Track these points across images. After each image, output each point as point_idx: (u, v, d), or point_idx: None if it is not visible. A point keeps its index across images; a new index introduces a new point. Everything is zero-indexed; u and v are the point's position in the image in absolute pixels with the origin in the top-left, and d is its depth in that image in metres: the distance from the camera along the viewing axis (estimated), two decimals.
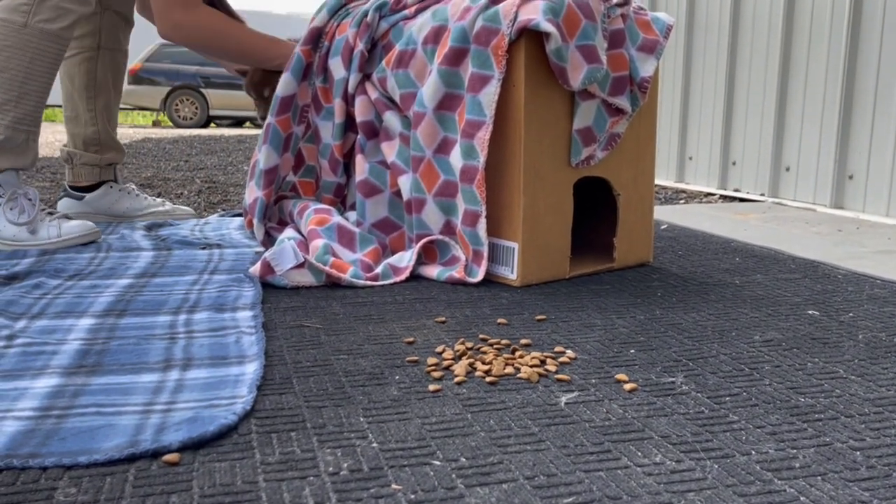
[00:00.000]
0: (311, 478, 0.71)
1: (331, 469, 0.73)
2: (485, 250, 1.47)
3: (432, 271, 1.52)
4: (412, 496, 0.68)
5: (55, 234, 1.77)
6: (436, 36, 1.52)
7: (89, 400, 0.88)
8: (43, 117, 1.84)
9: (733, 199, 3.02)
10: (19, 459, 0.73)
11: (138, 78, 11.06)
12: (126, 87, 11.11)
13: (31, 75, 1.72)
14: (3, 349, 1.04)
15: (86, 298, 1.32)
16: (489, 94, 1.42)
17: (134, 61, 11.20)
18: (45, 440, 0.77)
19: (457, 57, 1.46)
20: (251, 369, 0.98)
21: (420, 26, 1.55)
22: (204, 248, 1.78)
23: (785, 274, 1.59)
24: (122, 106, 13.55)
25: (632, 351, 1.09)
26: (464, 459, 0.76)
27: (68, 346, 1.07)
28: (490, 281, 1.50)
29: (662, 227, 2.18)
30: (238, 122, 11.90)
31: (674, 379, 0.98)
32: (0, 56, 1.71)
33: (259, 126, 1.95)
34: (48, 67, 1.74)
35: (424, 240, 1.54)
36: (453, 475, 0.72)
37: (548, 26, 1.36)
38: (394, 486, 0.70)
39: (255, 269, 1.45)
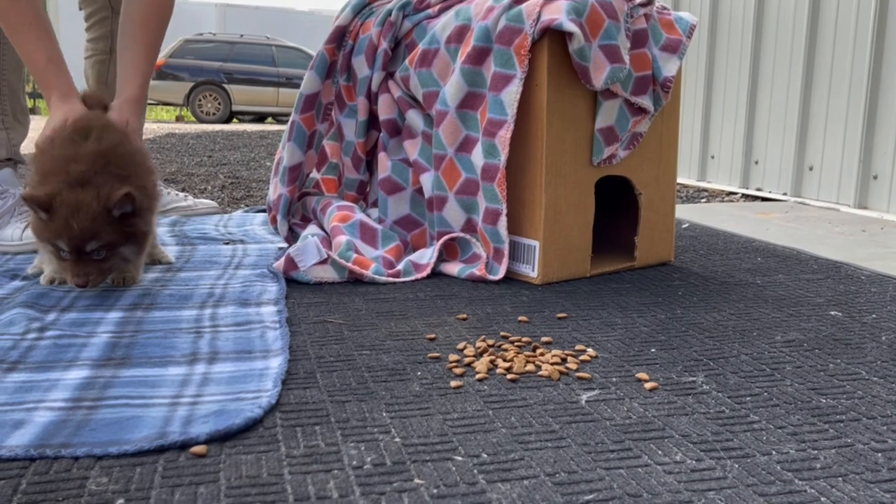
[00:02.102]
0: (336, 471, 0.73)
1: (355, 463, 0.74)
2: (506, 248, 1.48)
3: (453, 269, 1.53)
4: (434, 491, 0.69)
5: (17, 237, 1.68)
6: (459, 35, 1.53)
7: (118, 392, 0.90)
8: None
9: (755, 198, 3.00)
10: (52, 449, 0.75)
11: (162, 73, 11.15)
12: (150, 81, 11.28)
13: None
14: (35, 341, 1.07)
15: (114, 292, 1.35)
16: (511, 94, 1.42)
17: (158, 57, 11.31)
18: (77, 430, 0.79)
19: (479, 56, 1.47)
20: (276, 364, 0.99)
21: (443, 25, 1.56)
22: (227, 244, 1.80)
23: (807, 274, 1.58)
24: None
25: (653, 350, 1.10)
26: (485, 455, 0.77)
27: (97, 339, 1.09)
28: (511, 279, 1.50)
29: (684, 226, 2.17)
30: (260, 118, 11.97)
31: (694, 378, 0.99)
32: None
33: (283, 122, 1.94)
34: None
35: (446, 237, 1.55)
36: (475, 471, 0.73)
37: (571, 26, 1.36)
38: (416, 480, 0.71)
39: (279, 264, 1.47)
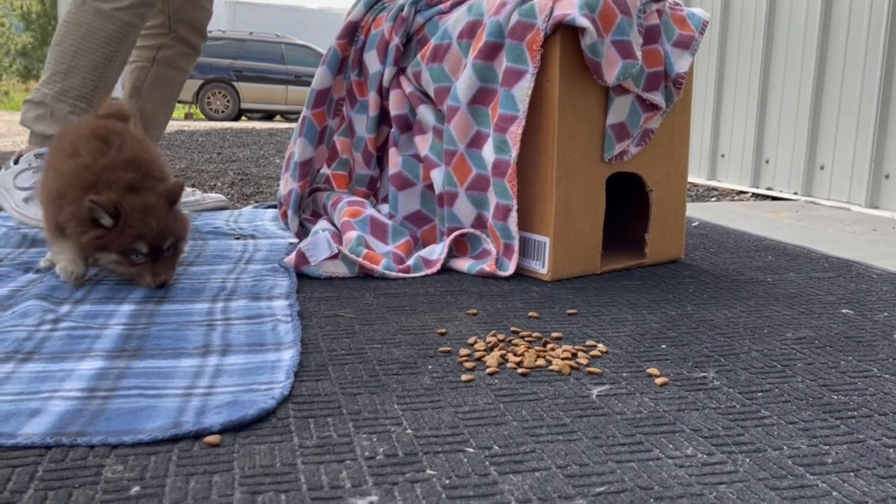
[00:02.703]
0: (348, 461, 0.73)
1: (367, 454, 0.75)
2: (516, 244, 1.48)
3: (463, 264, 1.53)
4: (447, 481, 0.70)
5: (34, 213, 1.73)
6: (471, 30, 1.53)
7: (132, 382, 0.90)
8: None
9: (766, 197, 3.00)
10: (68, 437, 0.76)
11: None
12: None
13: (81, 51, 1.79)
14: (49, 332, 1.07)
15: (126, 285, 1.36)
16: (523, 89, 1.43)
17: None
18: (92, 420, 0.80)
19: (491, 51, 1.47)
20: (288, 356, 1.00)
21: (455, 21, 1.56)
22: (238, 239, 1.81)
23: (818, 272, 1.58)
24: None
25: (663, 346, 1.10)
26: (497, 447, 0.77)
27: (111, 331, 1.10)
28: (521, 275, 1.51)
29: (694, 224, 2.17)
30: (269, 116, 11.99)
31: (705, 374, 0.99)
32: (59, 31, 1.83)
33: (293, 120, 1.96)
34: (100, 45, 1.81)
35: (456, 233, 1.55)
36: (486, 462, 0.74)
37: (583, 21, 1.36)
38: (429, 471, 0.72)
39: (290, 259, 1.48)
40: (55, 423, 0.79)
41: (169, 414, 0.82)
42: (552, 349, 1.06)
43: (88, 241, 1.28)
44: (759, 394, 0.92)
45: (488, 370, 0.98)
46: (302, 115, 1.74)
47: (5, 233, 1.83)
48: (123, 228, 1.26)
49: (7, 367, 0.94)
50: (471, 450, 0.76)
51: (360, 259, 1.47)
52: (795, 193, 2.89)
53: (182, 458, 0.73)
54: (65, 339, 1.05)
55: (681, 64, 1.53)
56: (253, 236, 1.84)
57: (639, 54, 1.45)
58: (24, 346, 1.02)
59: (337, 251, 1.47)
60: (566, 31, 1.41)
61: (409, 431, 0.80)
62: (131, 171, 1.31)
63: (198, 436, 0.78)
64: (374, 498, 0.67)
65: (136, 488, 0.68)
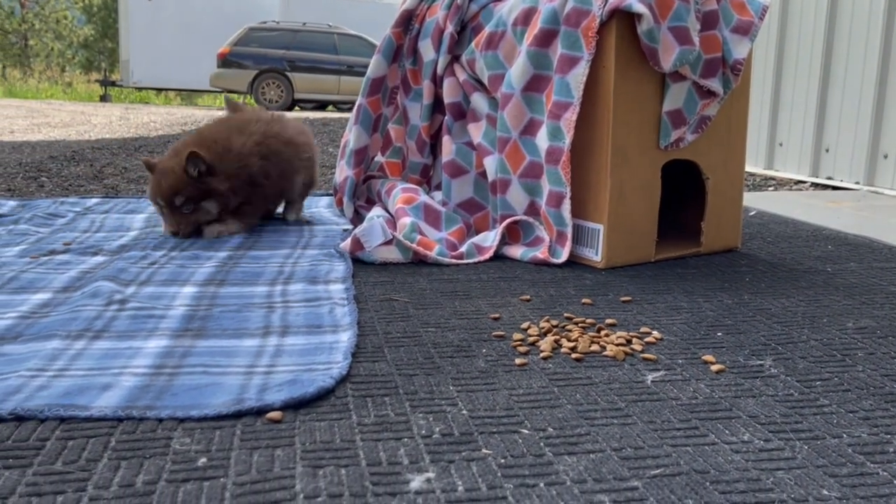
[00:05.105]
0: (406, 439, 0.75)
1: (423, 432, 0.76)
2: (569, 231, 1.48)
3: (516, 251, 1.53)
4: (502, 461, 0.71)
5: None
6: (526, 17, 1.53)
7: (196, 360, 0.94)
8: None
9: (825, 187, 2.92)
10: (138, 410, 0.79)
11: (227, 61, 11.37)
12: (215, 70, 11.52)
13: None
14: (117, 312, 1.12)
15: (187, 269, 1.40)
16: (577, 76, 1.42)
17: (222, 46, 11.54)
18: (160, 395, 0.83)
19: (546, 38, 1.47)
20: (345, 338, 1.02)
21: (510, 8, 1.56)
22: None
23: (880, 262, 1.54)
24: (210, 89, 13.81)
25: (719, 334, 1.09)
26: (551, 430, 0.78)
27: (174, 312, 1.13)
28: (574, 262, 1.50)
29: (751, 213, 2.14)
30: (321, 106, 12.11)
31: (762, 362, 0.98)
32: None
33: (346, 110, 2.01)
34: None
35: (508, 220, 1.56)
36: (541, 443, 0.75)
37: (640, 7, 1.35)
38: (484, 450, 0.73)
39: (346, 244, 1.50)
40: (125, 397, 0.82)
41: (232, 390, 0.85)
42: (606, 335, 1.06)
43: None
44: (818, 382, 0.91)
45: (542, 355, 0.99)
46: (357, 103, 1.76)
47: (72, 218, 1.90)
48: (152, 183, 1.67)
49: (79, 343, 0.98)
50: (525, 431, 0.77)
51: (413, 245, 1.48)
52: (857, 183, 2.82)
53: (246, 433, 0.76)
54: (132, 318, 1.09)
55: (739, 50, 1.50)
56: (309, 222, 1.88)
57: (696, 40, 1.43)
58: (94, 324, 1.06)
59: (391, 237, 1.49)
60: (622, 18, 1.40)
61: (464, 412, 0.81)
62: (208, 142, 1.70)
63: (260, 412, 0.80)
64: (431, 474, 0.68)
65: (203, 460, 0.70)
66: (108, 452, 0.71)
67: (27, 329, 1.05)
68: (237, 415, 0.79)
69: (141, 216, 1.95)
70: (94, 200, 2.18)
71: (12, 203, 2.06)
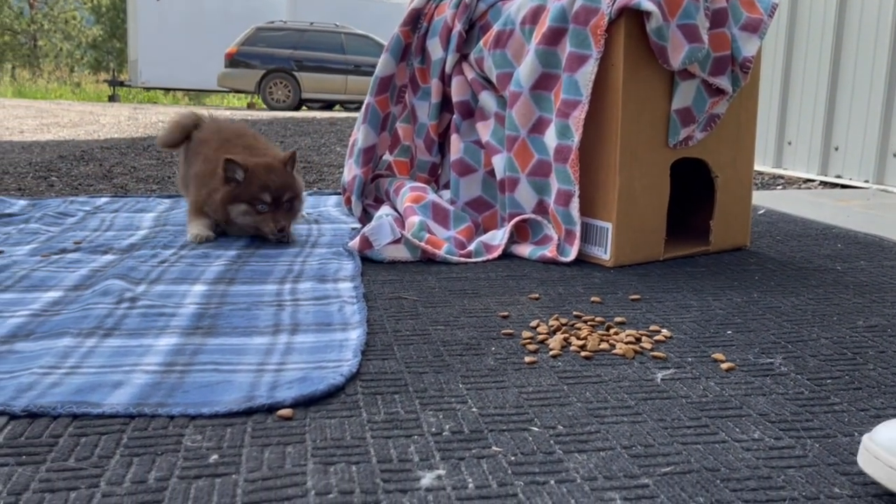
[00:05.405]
0: (416, 436, 0.75)
1: (433, 429, 0.77)
2: (577, 230, 1.48)
3: (524, 250, 1.53)
4: (512, 458, 0.71)
5: None
6: (534, 16, 1.53)
7: (207, 358, 0.94)
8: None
9: (835, 185, 2.91)
10: (149, 408, 0.79)
11: (234, 61, 11.40)
12: (222, 70, 11.55)
13: None
14: (128, 310, 1.12)
15: (197, 267, 1.40)
16: (586, 74, 1.42)
17: (230, 45, 11.57)
18: (171, 392, 0.84)
19: (555, 36, 1.47)
20: (354, 336, 1.02)
21: (519, 6, 1.56)
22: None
23: (890, 261, 1.54)
24: (218, 89, 13.84)
25: (729, 332, 1.09)
26: (561, 427, 0.78)
27: (185, 310, 1.14)
28: (582, 261, 1.50)
29: (759, 212, 2.13)
30: (328, 105, 12.13)
31: (772, 360, 0.97)
32: None
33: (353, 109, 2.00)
34: None
35: (517, 218, 1.56)
36: (551, 441, 0.75)
37: (649, 5, 1.35)
38: (494, 448, 0.73)
39: (354, 243, 1.51)
40: (137, 395, 0.83)
41: (243, 388, 0.85)
42: (615, 333, 1.06)
43: (224, 195, 1.58)
44: (829, 381, 0.91)
45: (551, 353, 0.99)
46: (365, 101, 1.76)
47: (82, 217, 1.91)
48: (251, 180, 1.57)
49: (91, 341, 0.99)
50: (535, 429, 0.77)
51: (422, 244, 1.49)
52: (866, 181, 2.81)
53: (257, 430, 0.76)
54: (142, 316, 1.10)
55: (748, 48, 1.50)
56: (317, 221, 1.88)
57: (705, 38, 1.43)
58: (105, 322, 1.06)
59: (400, 235, 1.50)
60: (631, 15, 1.39)
61: (474, 410, 0.81)
62: (247, 152, 1.66)
63: (271, 409, 0.80)
64: (441, 471, 0.68)
65: (215, 457, 0.71)
66: (121, 449, 0.72)
67: (39, 327, 1.05)
68: (248, 412, 0.80)
69: (150, 215, 1.95)
70: (104, 199, 2.19)
71: (23, 202, 2.07)
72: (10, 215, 1.89)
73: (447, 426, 0.77)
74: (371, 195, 1.83)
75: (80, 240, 1.64)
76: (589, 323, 1.12)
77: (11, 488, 0.65)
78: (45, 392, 0.82)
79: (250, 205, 1.57)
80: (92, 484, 0.66)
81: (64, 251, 1.52)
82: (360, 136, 1.75)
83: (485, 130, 1.64)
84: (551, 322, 1.10)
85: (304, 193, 1.72)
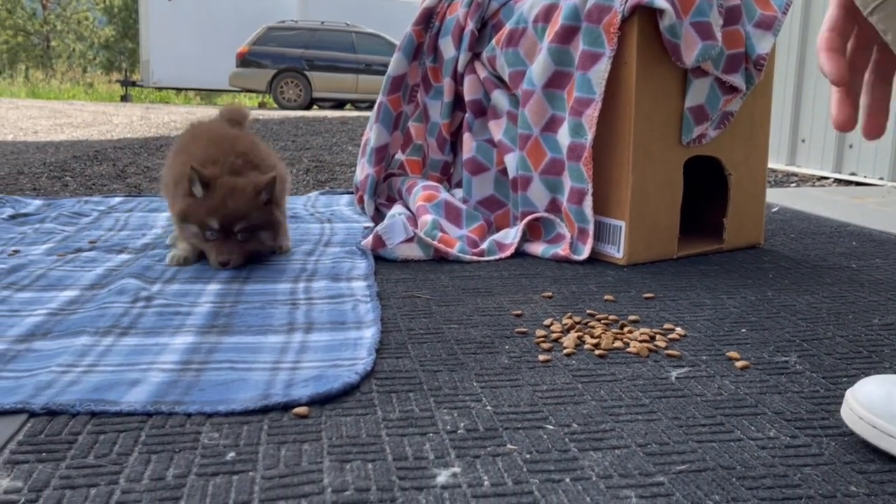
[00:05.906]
0: (431, 434, 0.75)
1: (448, 427, 0.77)
2: (591, 228, 1.48)
3: (537, 248, 1.53)
4: (527, 456, 0.71)
5: None
6: (547, 14, 1.53)
7: (223, 356, 0.95)
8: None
9: (849, 182, 2.89)
10: (166, 406, 0.80)
11: (246, 61, 11.43)
12: (234, 69, 11.59)
13: None
14: (143, 309, 1.13)
15: (210, 267, 1.41)
16: (599, 72, 1.42)
17: (241, 45, 11.60)
18: (188, 390, 0.84)
19: (567, 35, 1.47)
20: (369, 334, 1.03)
21: (531, 5, 1.56)
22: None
23: None
24: (229, 88, 13.88)
25: (743, 330, 1.08)
26: (576, 425, 0.78)
27: (200, 309, 1.15)
28: (595, 259, 1.50)
29: (773, 209, 2.12)
30: (340, 105, 12.15)
31: (787, 358, 0.97)
32: None
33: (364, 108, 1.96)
34: None
35: (529, 217, 1.56)
36: (566, 439, 0.75)
37: (662, 3, 1.35)
38: (509, 445, 0.73)
39: (367, 242, 1.51)
40: (154, 393, 0.83)
41: (258, 386, 0.85)
42: (629, 332, 1.06)
43: (179, 210, 1.37)
44: (845, 379, 0.90)
45: (565, 351, 0.99)
46: (378, 100, 1.76)
47: (97, 217, 1.92)
48: (207, 201, 1.34)
49: (107, 340, 1.00)
50: (550, 427, 0.77)
51: (435, 242, 1.49)
52: (881, 179, 2.79)
53: (273, 428, 0.77)
54: (158, 315, 1.11)
55: (762, 45, 1.49)
56: (330, 220, 1.89)
57: (719, 35, 1.42)
58: (121, 321, 1.07)
59: (413, 234, 1.50)
60: (644, 13, 1.39)
61: (488, 408, 0.82)
62: (238, 159, 1.42)
63: (286, 407, 0.81)
64: (457, 469, 0.69)
65: (232, 454, 0.71)
66: (139, 446, 0.73)
67: (56, 325, 1.06)
68: (264, 410, 0.80)
69: (164, 214, 1.97)
70: (118, 199, 2.21)
71: (38, 202, 2.09)
72: (25, 215, 1.91)
73: (462, 424, 0.78)
74: (383, 194, 1.84)
75: (95, 239, 1.65)
76: (603, 321, 1.12)
77: (32, 485, 0.66)
78: (64, 390, 0.83)
79: (200, 228, 1.36)
80: (111, 481, 0.66)
81: (79, 250, 1.53)
82: (372, 135, 1.76)
83: (497, 129, 1.64)
84: (565, 320, 1.10)
85: (287, 222, 1.51)
